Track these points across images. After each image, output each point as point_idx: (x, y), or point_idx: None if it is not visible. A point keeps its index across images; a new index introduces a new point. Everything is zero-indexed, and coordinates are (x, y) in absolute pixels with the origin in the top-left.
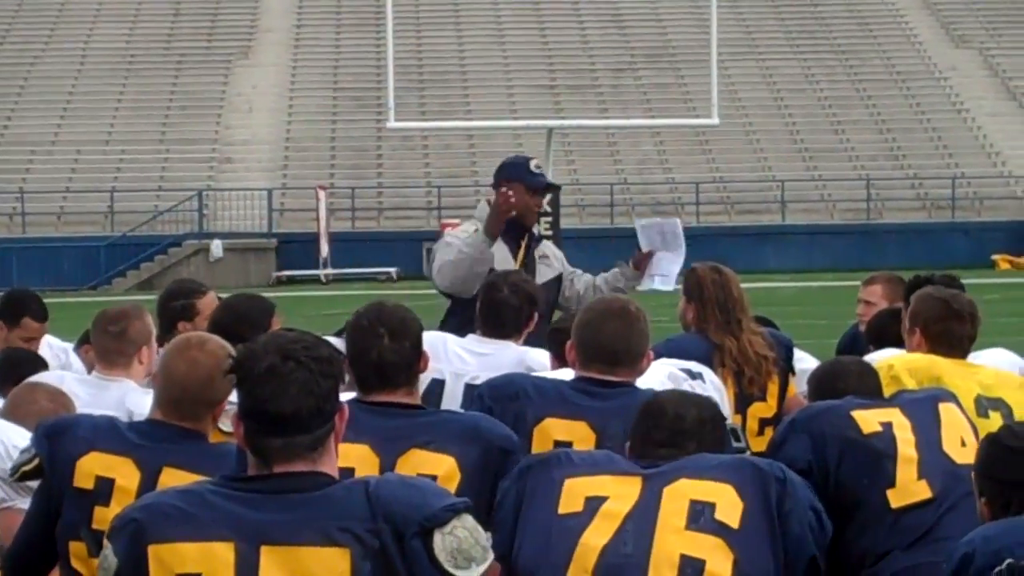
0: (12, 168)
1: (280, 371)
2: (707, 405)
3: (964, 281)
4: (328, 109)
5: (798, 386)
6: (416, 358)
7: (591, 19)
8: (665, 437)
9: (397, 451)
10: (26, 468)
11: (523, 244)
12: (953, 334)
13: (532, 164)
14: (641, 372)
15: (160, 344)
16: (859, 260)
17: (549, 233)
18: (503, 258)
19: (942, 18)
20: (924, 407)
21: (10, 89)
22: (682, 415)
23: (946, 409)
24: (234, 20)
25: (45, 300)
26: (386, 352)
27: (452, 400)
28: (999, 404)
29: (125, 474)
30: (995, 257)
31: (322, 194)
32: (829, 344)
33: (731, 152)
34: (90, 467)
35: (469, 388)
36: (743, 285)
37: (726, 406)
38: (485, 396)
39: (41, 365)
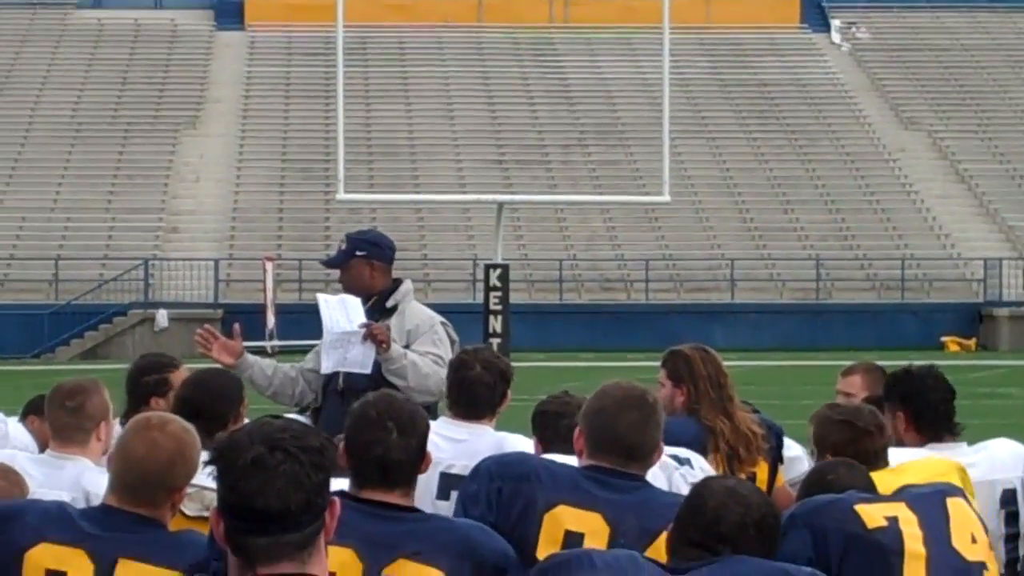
0: None
1: (267, 463)
2: (756, 506)
3: (913, 363)
4: (276, 180)
5: (786, 475)
6: (420, 458)
7: (540, 94)
8: (699, 537)
9: (383, 560)
10: None
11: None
12: (867, 453)
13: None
14: (652, 465)
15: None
16: (808, 340)
17: (393, 304)
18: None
19: (891, 100)
20: (932, 501)
21: None
22: (721, 517)
23: (954, 504)
24: (183, 89)
25: None
26: (393, 448)
27: (426, 490)
28: None
29: (78, 567)
30: (944, 339)
31: (269, 265)
32: (785, 424)
33: (680, 230)
34: (39, 559)
35: (445, 477)
36: None
37: None
38: (493, 474)
39: None
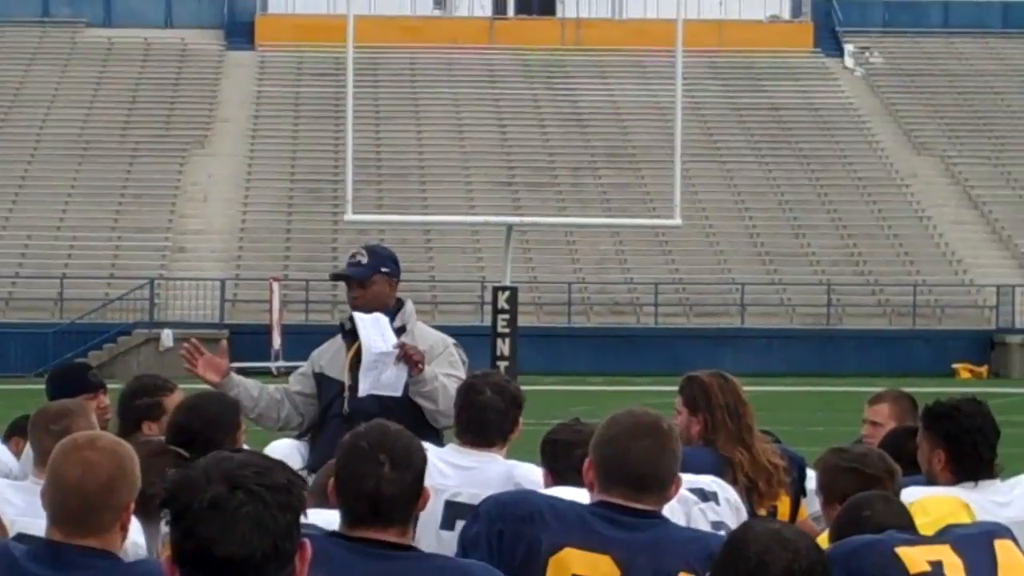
0: None
1: (227, 504)
2: (804, 551)
3: (924, 390)
4: (284, 200)
5: (809, 507)
6: (417, 494)
7: (551, 117)
8: None
9: None
10: None
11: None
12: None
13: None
14: (668, 500)
15: None
16: (819, 365)
17: (400, 325)
18: (335, 353)
19: (904, 125)
20: (978, 544)
21: None
22: (766, 564)
23: (1003, 547)
24: (192, 109)
25: None
26: (385, 483)
27: (431, 519)
28: None
29: None
30: (956, 366)
31: (276, 286)
32: (795, 451)
33: (691, 254)
34: None
35: (451, 506)
36: None
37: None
38: (494, 516)
39: None
